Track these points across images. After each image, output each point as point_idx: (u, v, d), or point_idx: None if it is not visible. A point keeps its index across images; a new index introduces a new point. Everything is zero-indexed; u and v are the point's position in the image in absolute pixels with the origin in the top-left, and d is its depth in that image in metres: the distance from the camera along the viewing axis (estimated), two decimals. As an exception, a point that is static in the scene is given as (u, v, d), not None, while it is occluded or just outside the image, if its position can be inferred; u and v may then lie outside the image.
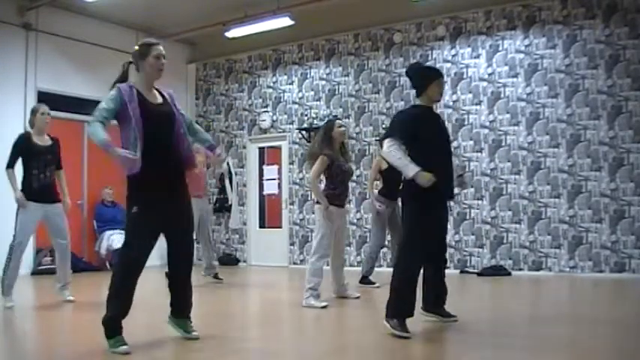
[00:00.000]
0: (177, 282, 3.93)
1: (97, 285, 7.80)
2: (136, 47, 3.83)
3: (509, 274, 8.14)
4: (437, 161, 4.04)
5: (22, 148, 5.66)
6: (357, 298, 5.90)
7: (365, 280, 6.92)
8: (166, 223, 3.70)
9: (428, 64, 9.06)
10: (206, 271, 7.65)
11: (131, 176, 3.54)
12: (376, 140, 9.34)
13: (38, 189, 5.58)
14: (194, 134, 4.07)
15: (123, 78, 3.81)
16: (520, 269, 8.21)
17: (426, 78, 4.21)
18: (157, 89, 3.89)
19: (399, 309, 3.91)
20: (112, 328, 3.57)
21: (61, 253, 5.80)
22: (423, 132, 4.06)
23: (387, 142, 4.02)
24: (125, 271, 3.62)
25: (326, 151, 5.53)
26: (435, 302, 4.43)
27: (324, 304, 5.30)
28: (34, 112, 5.88)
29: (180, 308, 3.96)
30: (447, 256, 4.57)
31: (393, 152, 3.97)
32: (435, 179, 3.85)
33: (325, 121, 6.07)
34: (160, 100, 3.83)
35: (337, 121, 5.75)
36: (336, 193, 5.58)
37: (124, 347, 3.50)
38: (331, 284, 5.92)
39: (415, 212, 4.06)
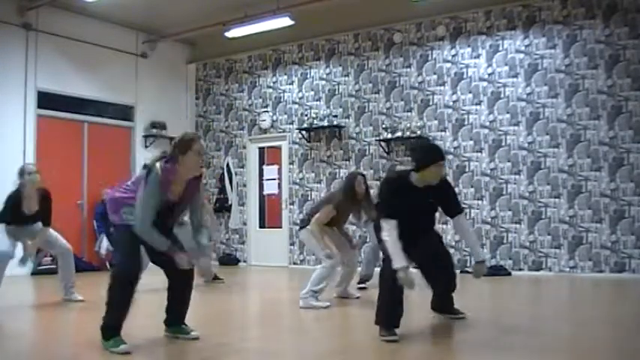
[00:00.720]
0: (177, 294, 3.98)
1: (97, 285, 7.79)
2: (178, 138, 3.78)
3: (509, 274, 8.14)
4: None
5: (11, 211, 5.50)
6: (358, 298, 5.91)
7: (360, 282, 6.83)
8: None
9: (428, 63, 9.08)
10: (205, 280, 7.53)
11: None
12: (376, 141, 9.34)
13: (21, 233, 5.63)
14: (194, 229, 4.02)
15: (164, 157, 3.77)
16: (520, 269, 8.21)
17: (428, 157, 3.99)
18: (189, 183, 3.82)
19: (381, 317, 3.92)
20: (110, 332, 3.59)
21: (63, 259, 5.84)
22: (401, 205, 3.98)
23: (382, 224, 3.93)
24: (121, 286, 3.65)
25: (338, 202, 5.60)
26: (442, 304, 4.55)
27: (326, 304, 5.31)
28: (21, 174, 5.67)
29: (176, 317, 4.00)
30: (453, 277, 4.48)
31: (386, 236, 3.88)
32: (412, 286, 3.78)
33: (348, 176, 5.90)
34: (180, 192, 3.78)
35: (358, 177, 5.65)
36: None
37: (124, 346, 3.51)
38: (337, 284, 5.92)
39: None
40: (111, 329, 3.61)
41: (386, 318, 3.89)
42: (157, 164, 3.64)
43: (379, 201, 4.13)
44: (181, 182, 3.73)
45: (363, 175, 5.69)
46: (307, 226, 5.54)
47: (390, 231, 3.87)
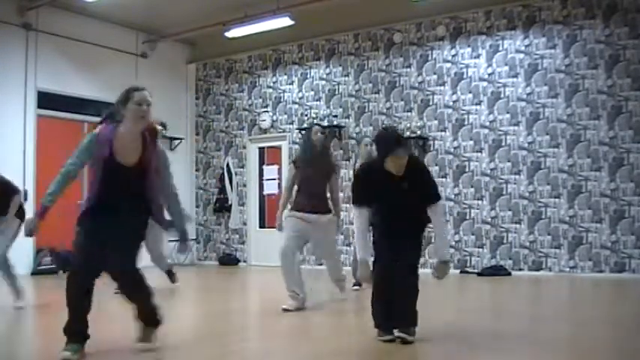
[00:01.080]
0: (126, 297, 3.66)
1: (97, 285, 7.79)
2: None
3: (509, 274, 8.14)
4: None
5: None
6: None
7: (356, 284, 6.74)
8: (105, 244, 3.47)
9: (428, 63, 9.08)
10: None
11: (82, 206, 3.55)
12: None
13: None
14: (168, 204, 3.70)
15: (108, 117, 3.58)
16: (520, 269, 8.21)
17: (383, 148, 3.81)
18: (145, 138, 3.53)
19: (375, 317, 3.93)
20: (67, 335, 3.46)
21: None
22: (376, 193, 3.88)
23: (353, 210, 3.89)
24: (69, 287, 3.46)
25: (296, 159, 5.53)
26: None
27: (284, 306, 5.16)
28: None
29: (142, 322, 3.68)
30: (411, 282, 3.87)
31: (355, 224, 3.90)
32: (368, 281, 3.82)
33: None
34: (135, 159, 3.47)
35: (314, 127, 5.59)
36: (297, 200, 5.50)
37: (65, 353, 3.34)
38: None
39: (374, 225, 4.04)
40: (66, 332, 3.46)
41: (378, 318, 3.88)
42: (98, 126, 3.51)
43: (352, 187, 4.02)
44: (131, 140, 3.46)
45: (321, 126, 5.60)
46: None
47: (358, 219, 3.84)
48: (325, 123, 9.76)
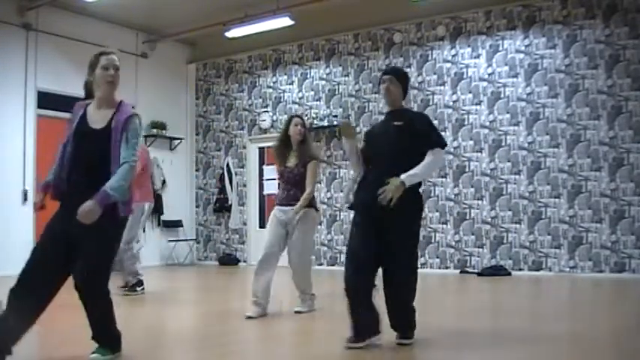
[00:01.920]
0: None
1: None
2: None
3: (509, 274, 8.14)
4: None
5: None
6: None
7: None
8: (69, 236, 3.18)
9: (428, 63, 9.08)
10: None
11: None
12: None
13: None
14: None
15: (86, 95, 3.54)
16: (520, 269, 8.21)
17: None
18: (118, 107, 3.35)
19: (350, 322, 3.67)
20: None
21: None
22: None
23: None
24: (11, 293, 3.17)
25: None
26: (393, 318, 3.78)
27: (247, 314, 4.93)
28: None
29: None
30: (405, 281, 3.67)
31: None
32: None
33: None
34: (103, 123, 3.27)
35: (294, 118, 5.26)
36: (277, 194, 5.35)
37: None
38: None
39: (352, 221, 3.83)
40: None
41: (352, 323, 3.65)
42: None
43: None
44: (101, 106, 3.31)
45: (301, 117, 5.29)
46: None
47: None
48: (325, 123, 9.78)
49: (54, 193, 3.31)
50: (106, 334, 3.33)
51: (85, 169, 3.22)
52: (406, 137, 3.65)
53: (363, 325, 3.61)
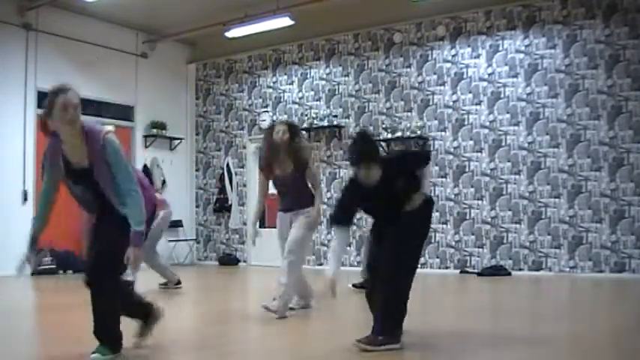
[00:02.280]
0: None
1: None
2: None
3: (509, 274, 8.14)
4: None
5: None
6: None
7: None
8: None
9: (428, 63, 9.08)
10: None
11: None
12: (376, 140, 9.32)
13: None
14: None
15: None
16: (520, 269, 8.21)
17: (349, 159, 3.76)
18: (89, 143, 3.24)
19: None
20: None
21: None
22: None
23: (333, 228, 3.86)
24: None
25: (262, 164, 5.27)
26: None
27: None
28: None
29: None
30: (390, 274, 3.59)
31: (332, 242, 3.89)
32: (331, 289, 3.59)
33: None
34: (85, 163, 3.25)
35: (277, 126, 5.16)
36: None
37: None
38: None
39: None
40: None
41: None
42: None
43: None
44: (74, 147, 3.23)
45: (288, 124, 5.18)
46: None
47: (336, 236, 3.74)
48: (325, 123, 9.78)
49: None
50: (107, 333, 3.33)
51: (94, 200, 3.38)
52: (393, 189, 3.65)
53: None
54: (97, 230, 3.40)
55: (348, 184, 3.79)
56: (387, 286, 3.56)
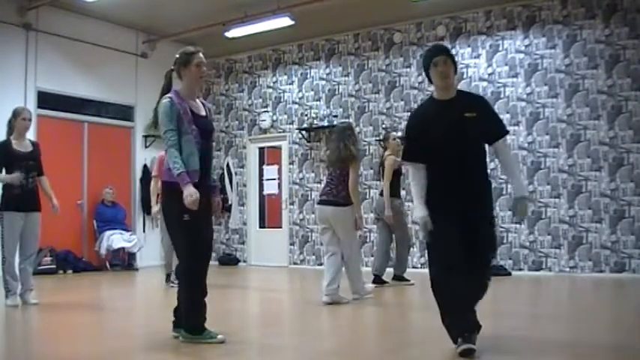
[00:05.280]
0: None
1: (97, 285, 7.80)
2: (177, 55, 3.95)
3: (510, 274, 8.14)
4: (445, 171, 3.40)
5: (2, 155, 5.47)
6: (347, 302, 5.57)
7: (378, 279, 6.83)
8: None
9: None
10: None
11: (169, 183, 3.64)
12: (376, 140, 9.34)
13: (20, 195, 5.44)
14: None
15: (168, 87, 3.88)
16: (520, 269, 8.21)
17: (425, 60, 3.50)
18: (199, 98, 3.96)
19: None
20: None
21: (30, 262, 5.61)
22: (431, 134, 3.40)
23: (408, 168, 3.55)
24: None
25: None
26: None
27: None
28: (15, 115, 5.68)
29: (178, 318, 3.89)
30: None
31: (411, 182, 3.51)
32: (428, 229, 3.35)
33: (344, 123, 6.13)
34: (203, 111, 3.88)
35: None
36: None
37: None
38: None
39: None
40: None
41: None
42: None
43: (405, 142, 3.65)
44: (195, 98, 3.88)
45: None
46: (344, 204, 5.45)
47: (413, 175, 3.46)
48: (325, 123, 9.78)
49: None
50: (184, 316, 3.73)
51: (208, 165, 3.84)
52: (478, 131, 3.37)
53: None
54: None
55: (414, 114, 3.62)
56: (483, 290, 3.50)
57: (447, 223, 3.29)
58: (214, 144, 4.02)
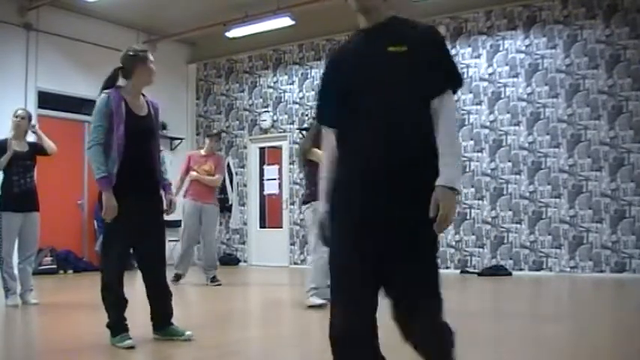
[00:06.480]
0: (152, 291, 3.95)
1: (97, 285, 7.78)
2: (127, 52, 3.87)
3: (510, 274, 8.14)
4: (356, 140, 2.02)
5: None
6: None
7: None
8: (137, 233, 3.81)
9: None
10: (206, 273, 7.55)
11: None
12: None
13: (18, 195, 5.44)
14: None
15: (109, 83, 3.84)
16: (520, 269, 8.21)
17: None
18: (145, 98, 3.90)
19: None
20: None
21: (30, 262, 5.63)
22: (340, 80, 2.21)
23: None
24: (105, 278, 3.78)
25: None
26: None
27: (322, 301, 5.21)
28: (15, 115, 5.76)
29: (161, 317, 3.92)
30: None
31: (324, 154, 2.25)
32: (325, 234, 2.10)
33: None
34: (144, 111, 3.82)
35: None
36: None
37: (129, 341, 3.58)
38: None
39: None
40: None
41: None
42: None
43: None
44: (139, 96, 3.84)
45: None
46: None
47: (325, 147, 2.23)
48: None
49: None
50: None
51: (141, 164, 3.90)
52: (406, 76, 2.02)
53: None
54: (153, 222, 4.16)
55: (330, 53, 2.52)
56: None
57: (349, 247, 1.98)
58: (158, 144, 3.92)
